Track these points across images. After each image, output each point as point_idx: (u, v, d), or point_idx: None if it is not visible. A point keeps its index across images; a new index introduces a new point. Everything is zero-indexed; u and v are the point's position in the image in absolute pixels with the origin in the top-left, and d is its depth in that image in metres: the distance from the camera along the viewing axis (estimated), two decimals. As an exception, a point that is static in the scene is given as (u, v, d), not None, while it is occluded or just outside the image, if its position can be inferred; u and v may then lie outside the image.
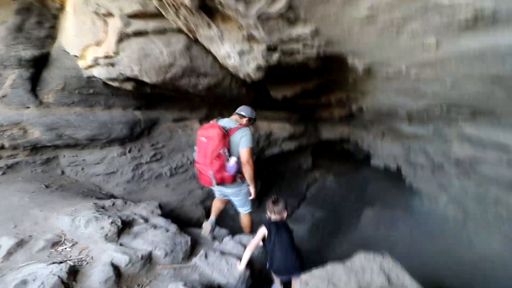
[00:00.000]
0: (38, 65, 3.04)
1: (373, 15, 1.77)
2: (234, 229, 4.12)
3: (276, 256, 2.35)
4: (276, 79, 3.10)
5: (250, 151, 2.63)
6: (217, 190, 3.00)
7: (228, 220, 5.25)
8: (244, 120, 2.82)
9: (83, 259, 2.18)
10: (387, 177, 6.97)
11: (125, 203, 3.25)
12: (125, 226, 2.62)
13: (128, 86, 2.95)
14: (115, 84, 2.96)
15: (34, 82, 3.12)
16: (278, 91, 3.43)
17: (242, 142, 2.60)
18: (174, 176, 4.58)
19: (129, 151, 4.07)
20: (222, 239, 3.14)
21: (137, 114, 4.05)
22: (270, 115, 5.42)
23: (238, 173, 2.71)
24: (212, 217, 3.23)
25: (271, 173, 6.92)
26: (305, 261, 2.46)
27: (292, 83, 3.22)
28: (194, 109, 4.84)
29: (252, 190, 2.84)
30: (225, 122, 2.70)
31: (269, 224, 2.42)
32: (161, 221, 2.98)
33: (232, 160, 2.60)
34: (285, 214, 2.47)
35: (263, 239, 2.45)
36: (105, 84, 3.26)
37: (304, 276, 1.63)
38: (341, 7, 1.78)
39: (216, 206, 3.27)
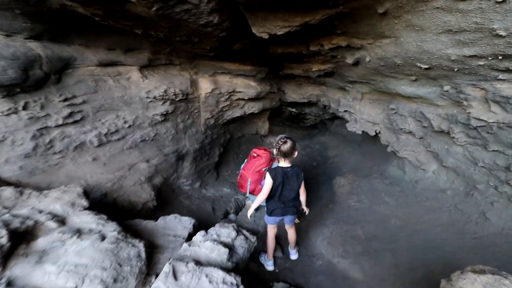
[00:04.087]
0: None
1: None
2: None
3: (278, 201, 2.68)
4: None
5: None
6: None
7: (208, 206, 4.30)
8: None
9: None
10: (346, 143, 6.81)
11: (21, 193, 1.96)
12: (20, 239, 1.45)
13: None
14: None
15: None
16: (266, 24, 2.38)
17: None
18: (105, 145, 3.25)
19: (24, 108, 2.57)
20: (191, 238, 2.24)
21: (33, 47, 2.49)
22: (234, 68, 4.32)
23: None
24: None
25: (228, 141, 6.00)
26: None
27: (290, 14, 2.23)
28: (131, 49, 3.40)
29: None
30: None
31: (275, 173, 2.58)
32: (89, 220, 1.86)
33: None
34: (295, 154, 2.60)
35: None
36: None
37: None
38: None
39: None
